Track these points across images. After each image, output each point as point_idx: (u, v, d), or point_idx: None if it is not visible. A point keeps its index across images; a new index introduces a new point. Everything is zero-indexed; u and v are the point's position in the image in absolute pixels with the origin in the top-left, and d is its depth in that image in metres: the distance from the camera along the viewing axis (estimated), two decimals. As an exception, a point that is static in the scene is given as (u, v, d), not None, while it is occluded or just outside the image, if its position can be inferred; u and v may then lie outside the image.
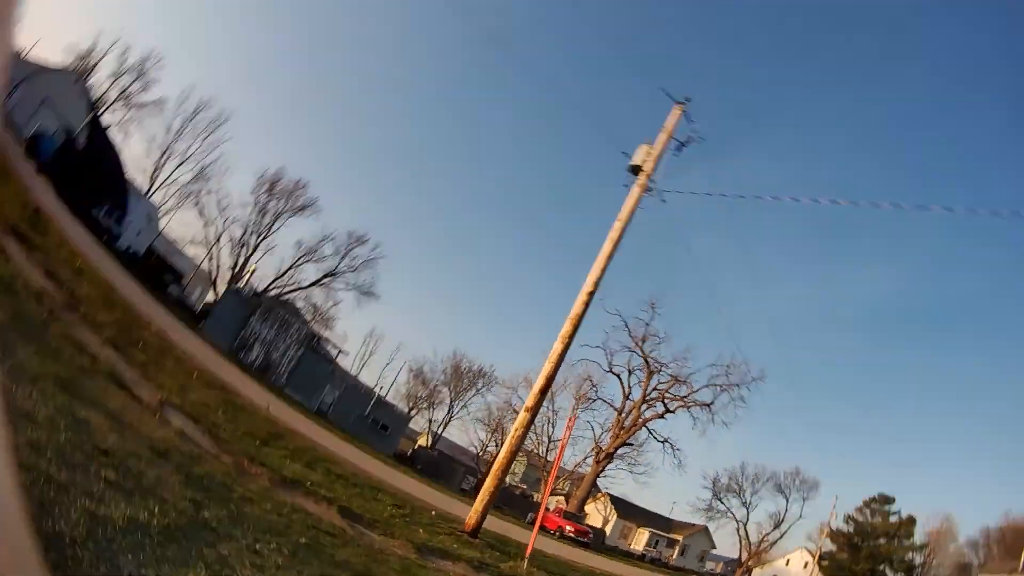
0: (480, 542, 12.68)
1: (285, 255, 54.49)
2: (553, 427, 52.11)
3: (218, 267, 50.29)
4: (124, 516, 3.48)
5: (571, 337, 14.28)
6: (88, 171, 31.26)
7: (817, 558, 64.11)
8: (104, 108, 45.14)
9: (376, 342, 78.77)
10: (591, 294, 14.54)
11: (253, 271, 50.29)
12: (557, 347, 14.11)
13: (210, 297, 51.02)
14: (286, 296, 49.98)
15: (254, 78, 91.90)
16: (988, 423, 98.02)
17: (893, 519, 66.01)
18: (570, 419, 21.84)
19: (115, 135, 43.08)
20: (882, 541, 65.20)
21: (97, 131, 37.62)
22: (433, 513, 14.19)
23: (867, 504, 67.71)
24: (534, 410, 13.93)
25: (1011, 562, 40.30)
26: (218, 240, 49.73)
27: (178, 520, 4.01)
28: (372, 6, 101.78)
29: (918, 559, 67.23)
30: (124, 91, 47.41)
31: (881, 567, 65.00)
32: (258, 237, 50.95)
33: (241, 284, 46.35)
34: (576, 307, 14.43)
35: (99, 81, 45.98)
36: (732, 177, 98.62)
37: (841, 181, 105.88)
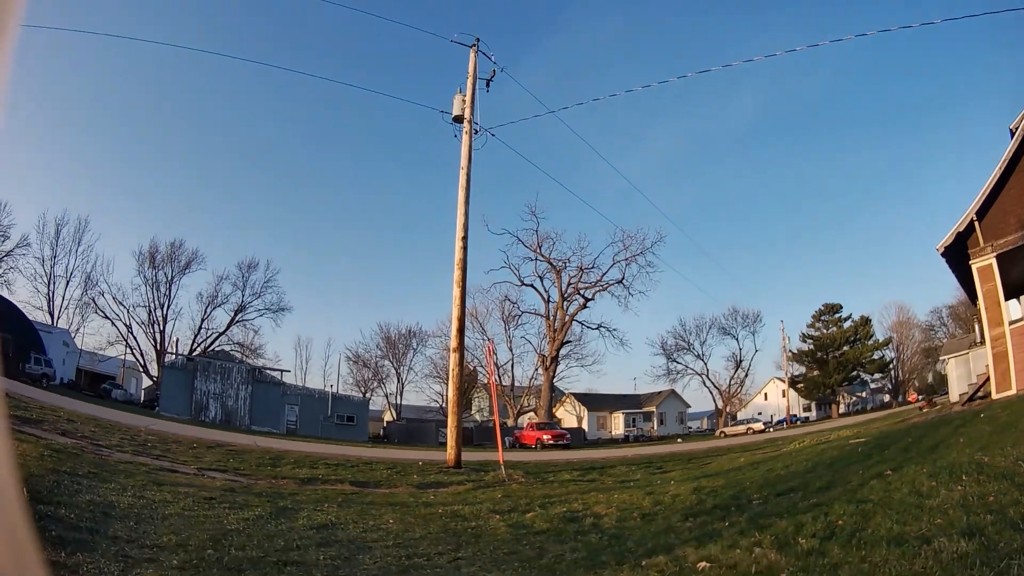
0: (464, 470, 14.83)
1: (195, 314, 54.92)
2: (496, 355, 54.34)
3: (143, 354, 50.70)
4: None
5: (463, 280, 16.71)
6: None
7: (789, 382, 64.83)
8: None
9: (307, 347, 79.82)
10: (464, 238, 16.89)
11: (176, 342, 50.58)
12: (455, 292, 16.59)
13: (145, 383, 51.31)
14: (212, 348, 50.74)
15: (92, 177, 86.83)
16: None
17: (848, 325, 66.31)
18: (489, 343, 24.40)
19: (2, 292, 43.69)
20: (845, 348, 65.23)
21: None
22: (420, 463, 16.37)
23: (817, 318, 68.07)
24: (459, 349, 16.18)
25: (967, 334, 39.97)
26: (130, 330, 49.98)
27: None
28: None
29: (889, 354, 68.49)
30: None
31: (854, 372, 65.58)
32: (164, 309, 51.22)
33: (173, 358, 46.66)
34: (457, 253, 16.83)
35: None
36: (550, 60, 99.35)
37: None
